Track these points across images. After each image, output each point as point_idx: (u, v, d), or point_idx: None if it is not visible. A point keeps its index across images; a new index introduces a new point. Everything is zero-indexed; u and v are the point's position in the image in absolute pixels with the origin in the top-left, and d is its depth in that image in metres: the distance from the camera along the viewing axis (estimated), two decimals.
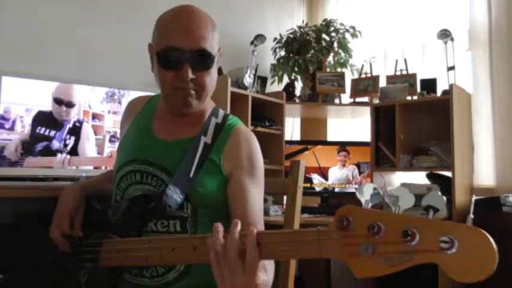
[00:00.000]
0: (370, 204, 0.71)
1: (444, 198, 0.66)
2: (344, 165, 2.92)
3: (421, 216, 0.63)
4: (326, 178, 2.92)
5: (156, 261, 1.00)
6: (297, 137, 3.35)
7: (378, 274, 0.64)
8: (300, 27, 3.20)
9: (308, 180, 2.87)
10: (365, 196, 0.72)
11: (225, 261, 0.75)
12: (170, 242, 0.90)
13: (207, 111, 1.20)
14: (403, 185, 2.65)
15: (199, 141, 1.13)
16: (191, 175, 1.09)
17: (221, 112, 1.23)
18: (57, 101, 1.98)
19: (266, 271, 0.81)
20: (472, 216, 0.62)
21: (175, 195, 1.06)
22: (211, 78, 1.12)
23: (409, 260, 0.62)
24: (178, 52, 1.05)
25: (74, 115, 2.02)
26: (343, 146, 2.94)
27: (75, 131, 2.03)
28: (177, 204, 1.07)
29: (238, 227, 0.78)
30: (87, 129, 2.06)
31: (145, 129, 1.21)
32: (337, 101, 3.07)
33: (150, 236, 1.06)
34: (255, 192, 1.14)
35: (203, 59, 1.08)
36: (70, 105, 2.01)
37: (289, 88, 3.07)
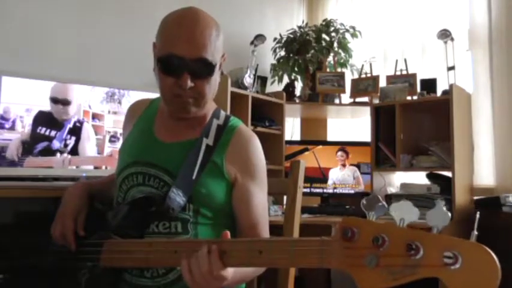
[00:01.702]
0: (374, 216, 0.71)
1: (449, 214, 0.67)
2: (344, 166, 2.92)
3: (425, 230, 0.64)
4: (326, 178, 2.92)
5: (156, 263, 1.00)
6: (297, 137, 3.35)
7: (381, 286, 0.65)
8: (300, 27, 3.20)
9: (308, 181, 2.87)
10: (370, 208, 0.72)
11: (198, 273, 0.84)
12: (172, 245, 0.90)
13: (208, 113, 1.20)
14: (403, 185, 2.65)
15: (201, 143, 1.13)
16: (193, 177, 1.09)
17: (222, 113, 1.23)
18: (54, 101, 1.97)
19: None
20: (476, 232, 0.62)
21: (178, 197, 1.06)
22: (211, 86, 1.12)
23: (412, 274, 0.62)
24: (179, 60, 1.05)
25: (73, 114, 2.01)
26: (342, 146, 2.94)
27: (76, 131, 2.03)
28: (180, 207, 1.07)
29: (205, 249, 0.84)
30: (87, 129, 2.06)
31: (146, 132, 1.21)
32: (337, 101, 3.07)
33: (152, 237, 1.07)
34: (259, 194, 1.15)
35: (203, 68, 1.08)
36: (66, 102, 2.00)
37: (289, 88, 3.07)
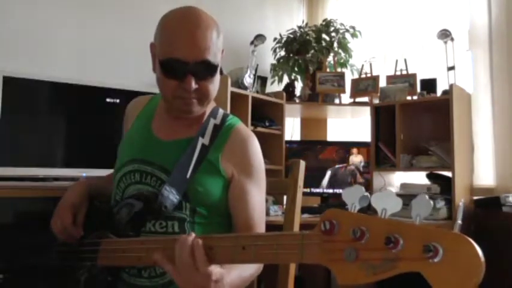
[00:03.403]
0: (356, 208, 0.67)
1: (431, 202, 0.62)
2: (343, 166, 2.91)
3: (406, 221, 0.60)
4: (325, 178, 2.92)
5: (148, 262, 0.99)
6: (297, 137, 3.35)
7: (361, 282, 0.61)
8: (300, 27, 3.20)
9: (308, 181, 2.87)
10: (351, 199, 0.68)
11: (180, 264, 0.82)
12: (162, 243, 0.89)
13: (206, 112, 1.20)
14: (403, 185, 2.65)
15: (197, 142, 1.13)
16: (188, 175, 1.08)
17: (220, 112, 1.22)
18: None
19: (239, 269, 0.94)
20: (459, 222, 0.60)
21: (171, 195, 1.06)
22: (214, 85, 1.11)
23: (392, 268, 0.58)
24: (182, 64, 1.04)
25: None
26: (343, 146, 2.94)
27: None
28: (173, 205, 1.07)
29: (191, 237, 0.82)
30: None
31: (145, 129, 1.21)
32: (337, 101, 3.07)
33: (148, 237, 1.06)
34: (256, 194, 1.14)
35: (206, 69, 1.07)
36: None
37: (289, 88, 3.07)
